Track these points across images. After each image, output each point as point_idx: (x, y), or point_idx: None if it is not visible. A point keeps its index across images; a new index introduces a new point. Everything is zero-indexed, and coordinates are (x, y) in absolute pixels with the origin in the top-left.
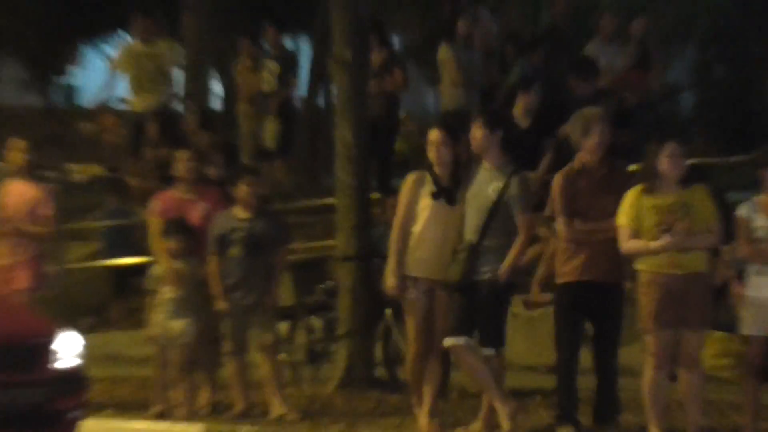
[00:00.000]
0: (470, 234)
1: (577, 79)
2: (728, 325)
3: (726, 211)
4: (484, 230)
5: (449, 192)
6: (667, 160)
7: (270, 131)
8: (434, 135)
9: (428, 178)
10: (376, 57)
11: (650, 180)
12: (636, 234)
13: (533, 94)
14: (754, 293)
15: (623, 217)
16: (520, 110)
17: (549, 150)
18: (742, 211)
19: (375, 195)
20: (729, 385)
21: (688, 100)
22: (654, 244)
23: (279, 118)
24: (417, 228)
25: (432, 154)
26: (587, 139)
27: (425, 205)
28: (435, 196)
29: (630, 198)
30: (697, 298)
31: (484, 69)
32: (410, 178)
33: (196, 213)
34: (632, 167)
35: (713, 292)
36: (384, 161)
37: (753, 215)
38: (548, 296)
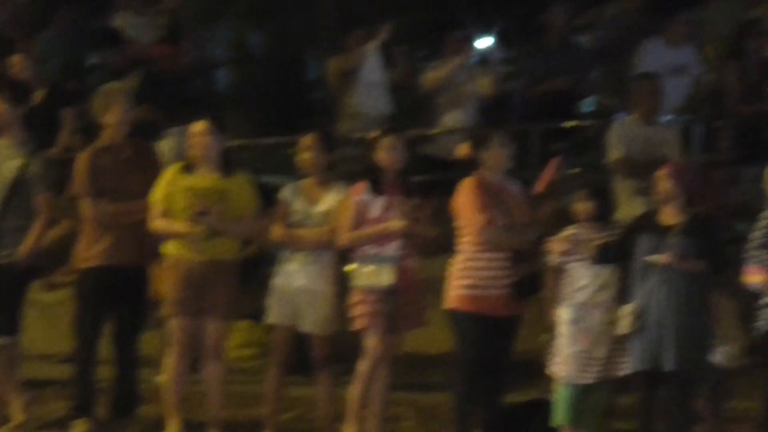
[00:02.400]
0: None
1: (99, 50)
2: (256, 313)
3: (268, 195)
4: (3, 211)
5: None
6: (200, 140)
7: None
8: None
9: None
10: None
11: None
12: (167, 214)
13: None
14: (281, 281)
15: (157, 193)
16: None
17: (65, 125)
18: (285, 193)
19: None
20: (253, 376)
21: (226, 77)
22: (182, 226)
23: None
24: None
25: None
26: (110, 116)
27: None
28: None
29: (167, 175)
30: (222, 286)
31: None
32: None
33: None
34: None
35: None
36: None
37: (293, 199)
38: (70, 276)
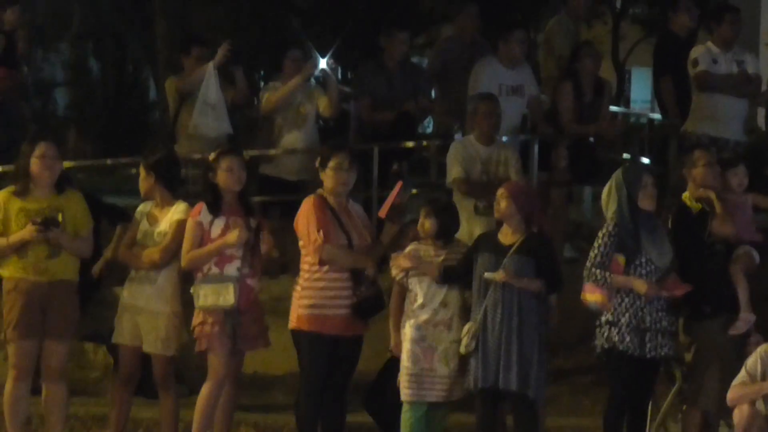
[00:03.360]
0: None
1: None
2: (98, 334)
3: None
4: None
5: None
6: (38, 162)
7: None
8: None
9: None
10: None
11: (22, 182)
12: (3, 236)
13: None
14: (125, 300)
15: None
16: None
17: None
18: (137, 212)
19: None
20: (96, 397)
21: (65, 98)
22: (24, 233)
23: None
24: None
25: None
26: None
27: None
28: None
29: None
30: (62, 307)
31: None
32: None
33: None
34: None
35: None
36: None
37: (141, 218)
38: None
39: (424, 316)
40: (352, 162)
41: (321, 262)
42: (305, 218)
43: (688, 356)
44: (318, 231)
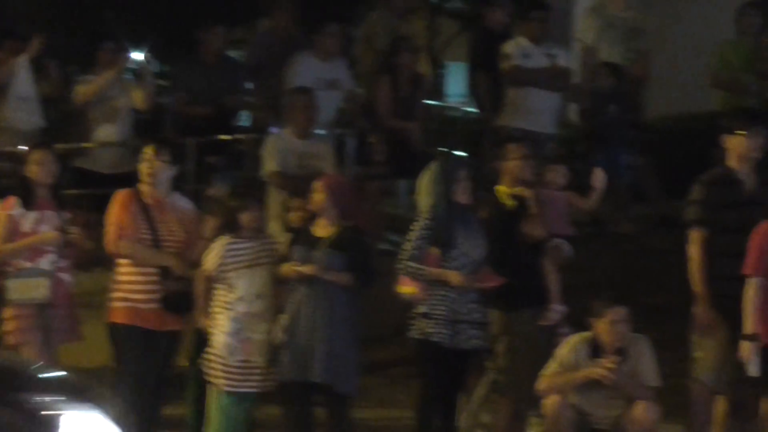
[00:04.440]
0: None
1: None
2: None
3: None
4: None
5: None
6: None
7: None
8: None
9: None
10: None
11: None
12: None
13: None
14: None
15: None
16: None
17: None
18: None
19: None
20: None
21: None
22: None
23: None
24: None
25: None
26: None
27: None
28: None
29: None
30: None
31: None
32: None
33: None
34: None
35: None
36: None
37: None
38: None
39: (241, 308)
40: (168, 155)
41: (119, 256)
42: (109, 213)
43: (500, 348)
44: (114, 225)
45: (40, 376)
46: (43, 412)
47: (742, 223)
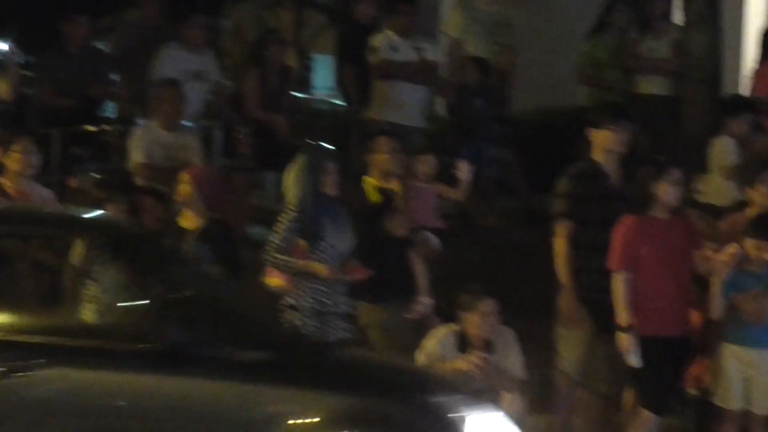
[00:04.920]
0: None
1: None
2: None
3: None
4: None
5: None
6: None
7: None
8: None
9: None
10: None
11: None
12: None
13: None
14: None
15: None
16: None
17: None
18: None
19: None
20: None
21: None
22: None
23: None
24: None
25: None
26: None
27: None
28: None
29: None
30: None
31: None
32: None
33: None
34: None
35: None
36: None
37: None
38: None
39: None
40: (32, 145)
41: None
42: None
43: (368, 339)
44: None
45: (442, 377)
46: (449, 414)
47: (607, 216)
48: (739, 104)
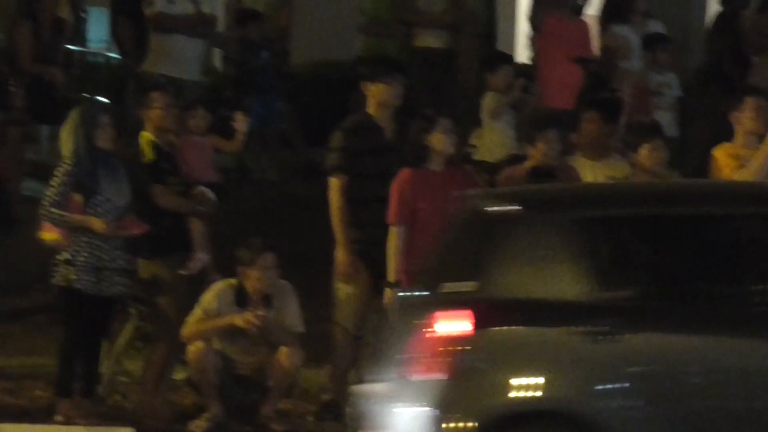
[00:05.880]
0: None
1: None
2: None
3: None
4: None
5: None
6: None
7: None
8: None
9: None
10: None
11: None
12: None
13: None
14: None
15: None
16: None
17: None
18: None
19: None
20: None
21: None
22: None
23: None
24: None
25: None
26: None
27: None
28: None
29: None
30: None
31: None
32: None
33: None
34: None
35: None
36: None
37: None
38: None
39: None
40: None
41: None
42: None
43: (146, 295)
44: None
45: None
46: None
47: (381, 169)
48: (497, 59)
